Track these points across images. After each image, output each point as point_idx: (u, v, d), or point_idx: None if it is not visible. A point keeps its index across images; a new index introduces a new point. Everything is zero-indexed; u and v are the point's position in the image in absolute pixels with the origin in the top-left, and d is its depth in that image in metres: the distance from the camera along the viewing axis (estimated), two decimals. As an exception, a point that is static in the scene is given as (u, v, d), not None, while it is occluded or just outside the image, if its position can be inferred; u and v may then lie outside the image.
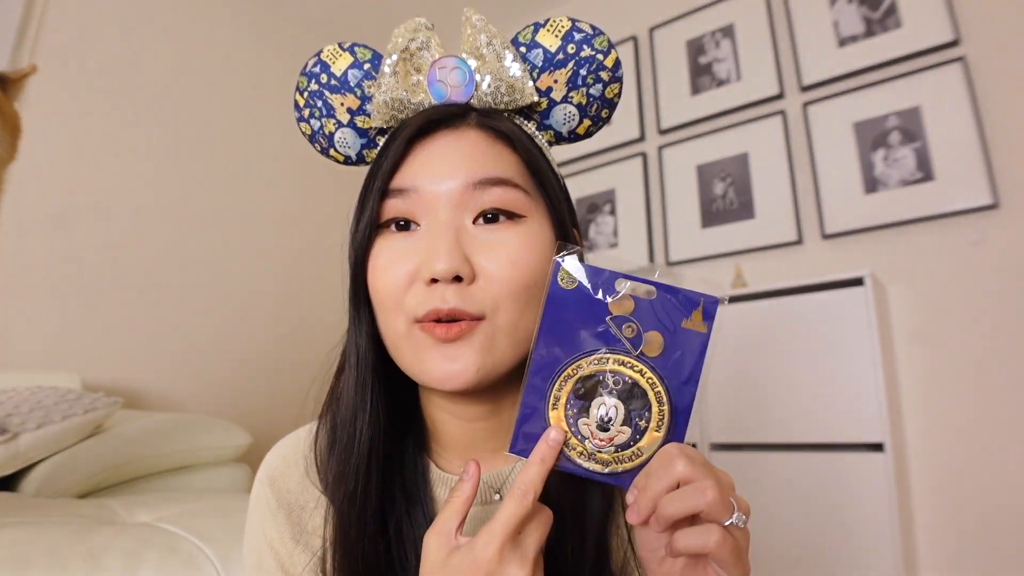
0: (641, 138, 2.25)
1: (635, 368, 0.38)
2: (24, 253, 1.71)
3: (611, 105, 0.52)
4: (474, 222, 0.45)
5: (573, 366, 0.38)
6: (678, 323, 0.38)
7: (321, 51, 0.51)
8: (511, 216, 0.45)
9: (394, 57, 0.48)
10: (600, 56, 0.49)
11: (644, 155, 2.23)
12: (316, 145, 0.53)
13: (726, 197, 2.02)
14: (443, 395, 0.48)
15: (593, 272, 0.39)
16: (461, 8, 0.51)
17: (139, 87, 2.02)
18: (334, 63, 0.50)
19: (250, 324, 2.19)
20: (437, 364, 0.43)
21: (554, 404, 0.38)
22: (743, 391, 1.61)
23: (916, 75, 1.73)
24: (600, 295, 0.38)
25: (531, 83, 0.48)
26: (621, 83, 0.52)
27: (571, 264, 0.39)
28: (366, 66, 0.50)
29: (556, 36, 0.49)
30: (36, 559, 0.70)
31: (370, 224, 0.45)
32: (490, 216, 0.45)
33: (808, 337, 1.53)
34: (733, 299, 1.69)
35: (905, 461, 1.58)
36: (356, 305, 0.47)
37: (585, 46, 0.49)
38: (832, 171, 1.84)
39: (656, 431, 0.38)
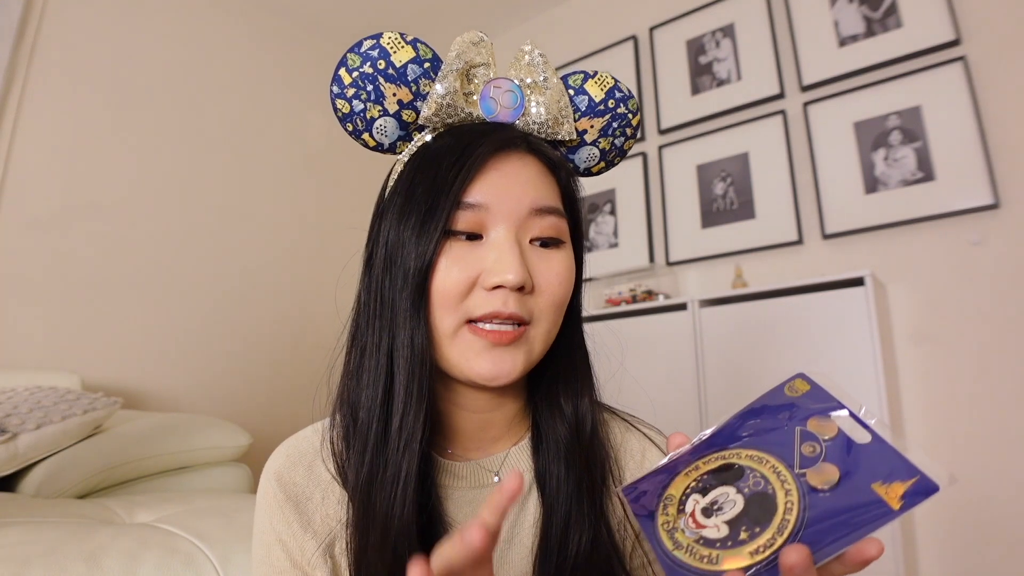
0: (641, 138, 2.24)
1: (784, 484, 0.32)
2: (24, 253, 1.71)
3: (623, 155, 0.61)
4: (530, 241, 0.50)
5: (734, 450, 0.35)
6: (868, 480, 0.31)
7: (380, 35, 0.51)
8: (557, 241, 0.51)
9: (457, 66, 0.51)
10: (630, 115, 0.58)
11: (644, 155, 2.23)
12: (348, 125, 0.53)
13: (726, 197, 2.02)
14: (460, 389, 0.52)
15: (822, 392, 0.36)
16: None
17: (139, 87, 2.02)
18: (395, 52, 0.51)
19: (250, 325, 2.19)
20: (484, 364, 0.48)
21: (689, 472, 0.36)
22: (743, 391, 1.60)
23: (916, 75, 1.73)
24: (810, 408, 0.35)
25: (573, 122, 0.55)
26: (636, 140, 0.60)
27: (810, 378, 0.37)
28: (426, 64, 0.51)
29: (601, 89, 0.56)
30: (36, 559, 0.70)
31: (442, 231, 0.47)
32: (543, 241, 0.50)
33: (808, 337, 1.53)
34: (733, 299, 1.69)
35: (905, 461, 1.58)
36: (418, 300, 0.48)
37: (622, 104, 0.57)
38: (832, 171, 1.84)
39: (750, 554, 0.30)
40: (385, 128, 0.52)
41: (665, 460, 0.37)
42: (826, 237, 1.82)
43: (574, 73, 0.57)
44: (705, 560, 0.31)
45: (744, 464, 0.34)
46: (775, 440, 0.35)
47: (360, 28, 2.59)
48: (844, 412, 0.35)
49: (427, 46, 0.52)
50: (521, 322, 0.48)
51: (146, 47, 2.05)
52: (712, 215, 2.04)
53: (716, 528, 0.32)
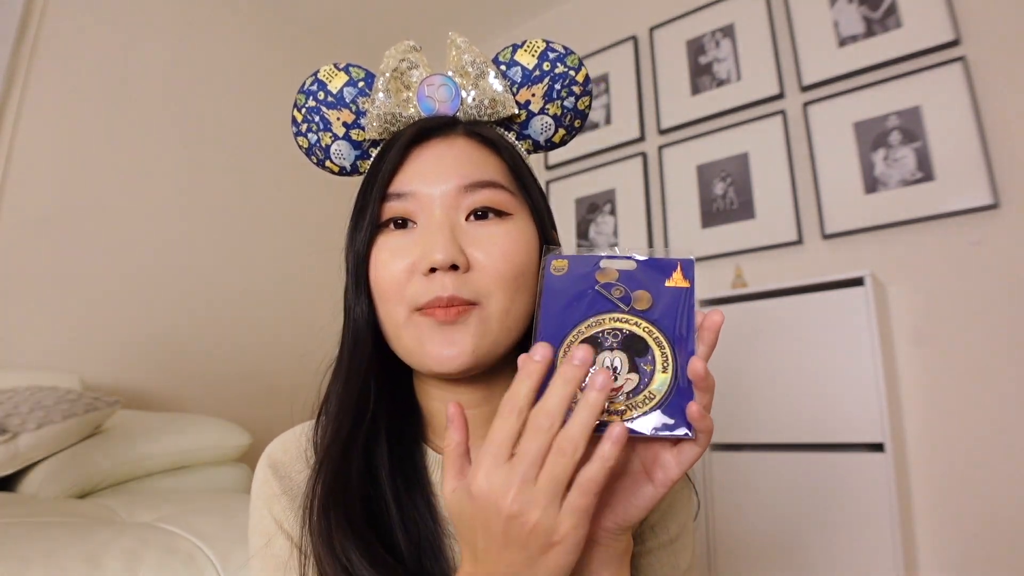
0: (641, 138, 2.25)
1: (629, 322, 0.40)
2: (24, 253, 1.71)
3: (583, 116, 0.58)
4: (466, 219, 0.49)
5: (573, 334, 0.40)
6: (661, 283, 0.41)
7: (318, 71, 0.55)
8: (499, 214, 0.49)
9: (386, 75, 0.52)
10: (572, 72, 0.55)
11: (644, 155, 2.23)
12: (312, 158, 0.57)
13: (726, 197, 2.02)
14: (439, 384, 0.52)
15: (580, 259, 0.42)
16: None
17: (139, 87, 2.02)
18: (330, 81, 0.54)
19: (250, 325, 2.19)
20: (436, 347, 0.47)
21: None
22: (743, 391, 1.61)
23: (916, 75, 1.73)
24: (587, 272, 0.42)
25: (511, 97, 0.53)
26: (591, 96, 0.57)
27: (561, 255, 0.43)
28: (360, 84, 0.54)
29: (532, 55, 0.55)
30: (36, 559, 0.70)
31: (371, 225, 0.49)
32: (480, 213, 0.49)
33: (808, 337, 1.54)
34: (733, 299, 1.69)
35: (905, 461, 1.58)
36: (356, 294, 0.50)
37: (559, 63, 0.55)
38: (832, 171, 1.84)
39: (664, 372, 0.38)
40: (341, 151, 0.55)
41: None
42: (826, 237, 1.82)
43: (504, 48, 0.56)
44: (648, 401, 0.38)
45: (592, 334, 0.40)
46: (591, 305, 0.41)
47: (361, 29, 2.60)
48: (607, 259, 0.42)
49: (359, 68, 0.55)
50: (466, 304, 0.47)
51: (146, 47, 2.05)
52: (712, 215, 2.04)
53: (628, 380, 0.38)
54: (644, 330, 0.39)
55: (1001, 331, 1.54)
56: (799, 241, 1.87)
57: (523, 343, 0.51)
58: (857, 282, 1.50)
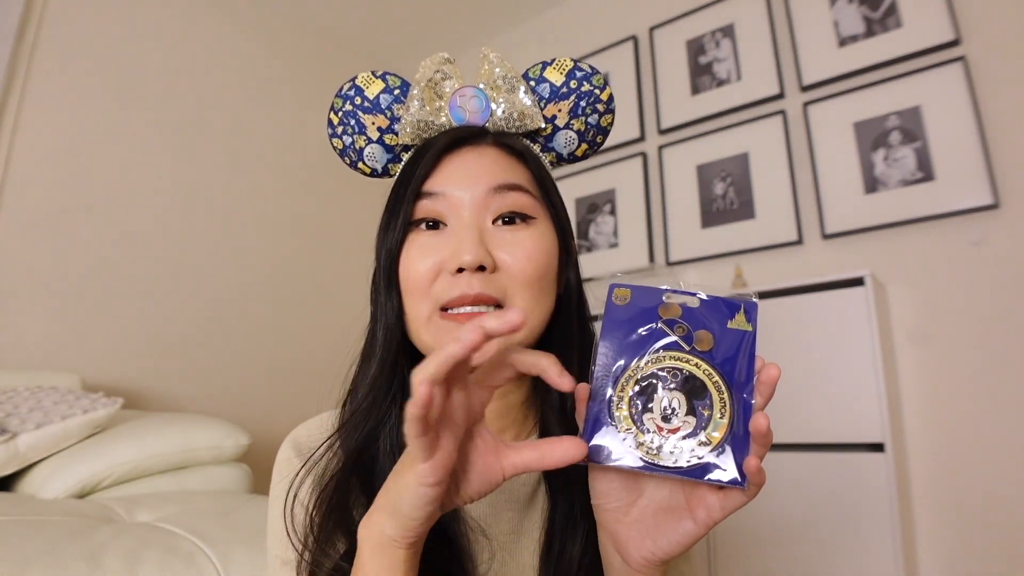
0: (641, 138, 2.24)
1: (690, 362, 0.40)
2: (24, 253, 1.72)
3: (605, 132, 0.61)
4: (493, 222, 0.51)
5: (632, 368, 0.40)
6: (724, 324, 0.41)
7: (356, 77, 0.58)
8: (524, 218, 0.52)
9: (421, 85, 0.56)
10: (597, 91, 0.58)
11: (644, 155, 2.23)
12: (346, 159, 0.60)
13: (726, 197, 2.02)
14: None
15: (643, 290, 0.43)
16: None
17: (139, 87, 2.02)
18: (368, 87, 0.57)
19: (250, 325, 2.19)
20: None
21: (618, 405, 0.40)
22: (743, 391, 1.61)
23: (916, 75, 1.73)
24: (650, 305, 0.42)
25: (539, 111, 0.57)
26: (613, 114, 0.61)
27: (623, 283, 0.43)
28: (395, 91, 0.57)
29: (561, 73, 0.58)
30: (36, 559, 0.70)
31: (404, 223, 0.52)
32: (507, 218, 0.52)
33: (808, 337, 1.53)
34: (733, 299, 1.69)
35: (905, 461, 1.58)
36: (388, 289, 0.53)
37: (585, 82, 0.58)
38: (832, 171, 1.84)
39: (721, 418, 0.38)
40: (374, 154, 0.58)
41: (590, 416, 0.40)
42: (826, 237, 1.82)
43: (533, 65, 0.59)
44: (706, 446, 0.38)
45: (651, 371, 0.40)
46: (653, 341, 0.41)
47: (360, 29, 2.60)
48: (671, 293, 0.42)
49: (396, 76, 0.58)
50: (491, 302, 0.49)
51: (146, 47, 2.05)
52: (712, 215, 2.04)
53: (685, 423, 0.38)
54: (704, 372, 0.40)
55: (1001, 331, 1.54)
56: (799, 241, 1.87)
57: (540, 347, 0.52)
58: (857, 282, 1.50)
